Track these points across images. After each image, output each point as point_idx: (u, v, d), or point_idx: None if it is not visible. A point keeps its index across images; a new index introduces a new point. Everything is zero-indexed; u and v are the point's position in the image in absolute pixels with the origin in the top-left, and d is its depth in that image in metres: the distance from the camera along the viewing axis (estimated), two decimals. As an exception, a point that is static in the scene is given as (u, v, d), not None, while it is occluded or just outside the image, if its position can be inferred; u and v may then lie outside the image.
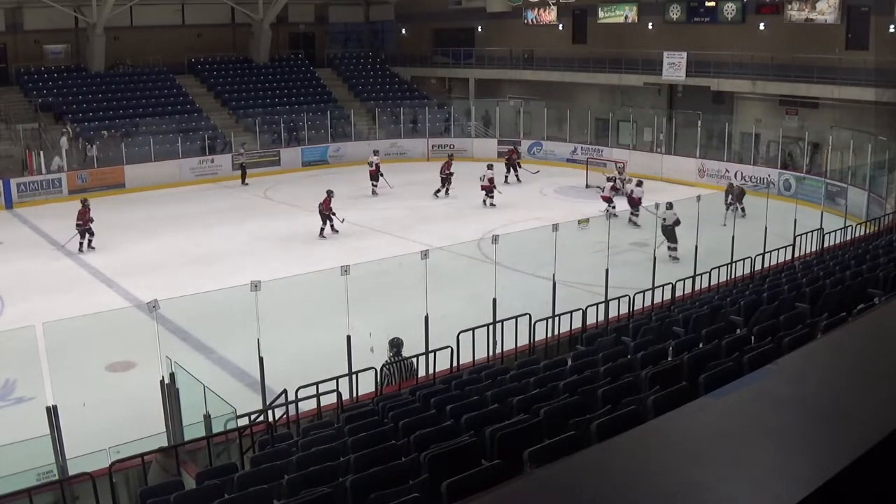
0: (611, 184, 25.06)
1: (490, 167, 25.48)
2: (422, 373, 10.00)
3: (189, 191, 28.74)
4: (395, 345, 10.23)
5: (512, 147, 30.96)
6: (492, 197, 24.88)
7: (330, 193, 21.73)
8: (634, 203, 21.98)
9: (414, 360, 10.04)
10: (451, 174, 26.67)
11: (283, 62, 39.10)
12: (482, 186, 24.91)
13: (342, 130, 34.60)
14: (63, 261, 19.96)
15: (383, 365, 9.98)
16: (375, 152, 28.85)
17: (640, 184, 22.99)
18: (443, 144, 34.79)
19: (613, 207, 22.16)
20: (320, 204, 21.62)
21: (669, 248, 17.85)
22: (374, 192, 27.07)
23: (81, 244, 20.55)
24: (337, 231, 21.51)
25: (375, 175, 27.13)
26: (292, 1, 37.61)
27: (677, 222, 17.74)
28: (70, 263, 19.73)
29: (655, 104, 31.72)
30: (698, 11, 30.22)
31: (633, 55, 31.58)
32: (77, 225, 20.62)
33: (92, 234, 20.72)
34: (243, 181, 29.49)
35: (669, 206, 17.58)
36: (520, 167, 28.91)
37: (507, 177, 28.32)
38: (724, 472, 1.74)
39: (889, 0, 24.54)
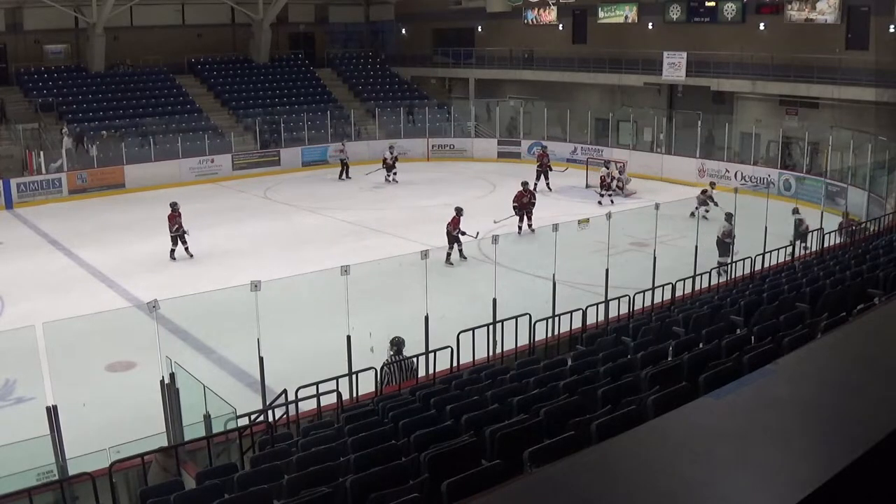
0: (614, 182, 25.52)
1: (607, 165, 26.29)
2: (422, 373, 10.00)
3: (189, 191, 28.74)
4: (396, 344, 10.23)
5: (542, 149, 29.07)
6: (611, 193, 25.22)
7: (459, 212, 18.76)
8: (606, 185, 25.24)
9: (414, 359, 10.04)
10: (550, 168, 27.22)
11: (283, 62, 39.10)
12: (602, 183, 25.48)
13: (342, 130, 34.60)
14: (63, 261, 19.96)
15: (384, 364, 9.98)
16: (392, 147, 29.88)
17: (609, 168, 25.74)
18: (443, 144, 34.81)
19: (606, 196, 24.87)
20: (448, 224, 18.61)
21: (720, 262, 15.89)
22: (393, 180, 28.83)
23: (173, 251, 19.39)
24: (465, 258, 18.60)
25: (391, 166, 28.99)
26: (292, 1, 37.61)
27: (731, 235, 16.66)
28: (70, 263, 19.73)
29: (655, 104, 31.72)
30: (698, 11, 30.21)
31: (633, 55, 31.57)
32: (173, 231, 19.40)
33: (185, 240, 19.47)
34: (343, 176, 30.24)
35: (728, 217, 16.82)
36: (551, 170, 27.46)
37: (536, 184, 26.43)
38: (724, 472, 1.74)
39: (889, 0, 24.53)
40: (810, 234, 16.52)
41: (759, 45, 27.73)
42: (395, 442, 6.50)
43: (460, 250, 18.54)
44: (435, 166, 31.07)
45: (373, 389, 9.45)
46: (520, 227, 21.47)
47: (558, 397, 6.89)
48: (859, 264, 11.17)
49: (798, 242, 16.54)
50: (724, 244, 16.79)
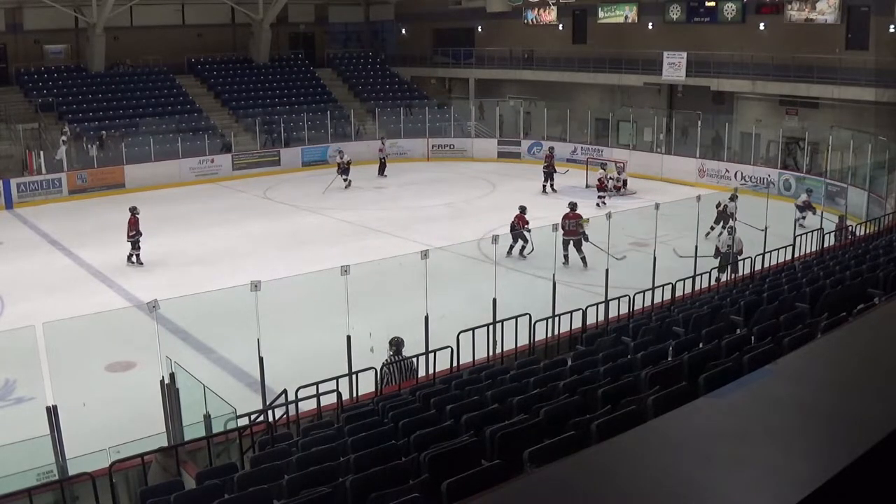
0: (611, 182, 25.59)
1: (603, 167, 26.23)
2: (422, 373, 9.99)
3: (189, 191, 28.75)
4: (396, 344, 10.23)
5: (550, 151, 28.45)
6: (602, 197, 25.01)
7: (523, 210, 19.02)
8: (602, 188, 25.29)
9: (414, 359, 10.04)
10: (554, 169, 27.09)
11: (283, 62, 39.10)
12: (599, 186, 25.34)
13: (342, 130, 34.60)
14: (63, 261, 19.96)
15: (383, 364, 9.98)
16: (341, 151, 29.52)
17: (604, 167, 26.24)
18: (443, 144, 34.80)
19: (602, 199, 24.76)
20: (513, 221, 18.83)
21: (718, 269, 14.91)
22: (347, 185, 28.24)
23: (131, 256, 19.17)
24: (524, 257, 18.34)
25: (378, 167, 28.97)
26: (292, 1, 37.61)
27: (736, 251, 15.43)
28: (70, 263, 19.73)
29: (655, 104, 31.72)
30: (698, 11, 30.22)
31: (633, 55, 31.57)
32: (130, 236, 19.18)
33: (137, 246, 19.21)
34: (381, 172, 30.47)
35: (731, 230, 16.04)
36: (556, 171, 27.38)
37: (545, 186, 27.01)
38: (724, 472, 1.74)
39: (889, 0, 24.53)
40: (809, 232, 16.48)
41: (759, 45, 27.74)
42: (395, 442, 6.49)
43: (522, 247, 18.53)
44: (435, 166, 31.07)
45: (373, 389, 9.45)
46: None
47: (558, 397, 6.89)
48: (859, 264, 11.17)
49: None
50: (728, 258, 15.44)
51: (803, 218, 20.12)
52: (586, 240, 17.04)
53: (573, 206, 18.27)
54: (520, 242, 18.54)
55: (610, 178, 26.57)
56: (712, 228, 18.50)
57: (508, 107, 36.04)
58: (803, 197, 21.46)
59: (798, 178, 25.26)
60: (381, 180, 30.05)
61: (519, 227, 18.64)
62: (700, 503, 1.67)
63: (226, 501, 5.77)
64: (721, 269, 15.13)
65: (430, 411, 7.28)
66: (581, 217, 17.35)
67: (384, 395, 8.98)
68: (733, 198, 17.85)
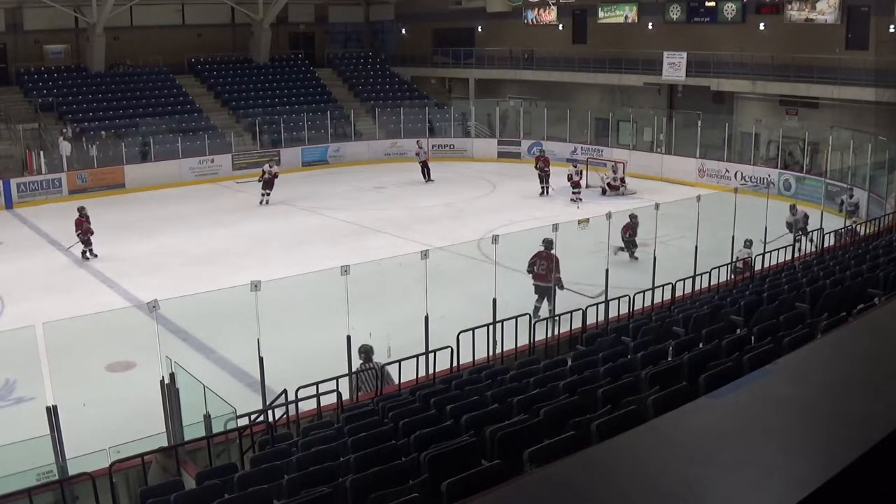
0: (605, 180, 25.70)
1: (575, 165, 26.11)
2: (422, 373, 9.98)
3: (189, 191, 28.74)
4: (365, 352, 10.20)
5: (541, 154, 28.42)
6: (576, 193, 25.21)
7: (633, 219, 17.67)
8: (576, 184, 25.34)
9: (387, 366, 9.94)
10: (548, 172, 26.64)
11: (283, 62, 39.10)
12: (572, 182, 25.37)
13: (342, 130, 34.59)
14: (63, 261, 19.96)
15: (355, 372, 9.95)
16: (272, 162, 27.91)
17: (576, 166, 26.08)
18: (443, 144, 34.80)
19: (576, 194, 25.15)
20: (622, 229, 17.61)
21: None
22: (265, 201, 26.13)
23: (84, 252, 19.81)
24: (636, 258, 17.54)
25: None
26: (292, 1, 37.61)
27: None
28: (70, 263, 19.73)
29: (655, 104, 31.71)
30: (698, 11, 30.21)
31: (633, 55, 31.57)
32: (77, 234, 19.84)
33: (90, 243, 19.83)
34: (428, 178, 29.25)
35: (748, 243, 15.40)
36: (549, 174, 26.81)
37: (544, 189, 26.71)
38: (724, 472, 1.74)
39: (889, 0, 24.53)
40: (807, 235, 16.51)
41: (759, 45, 27.73)
42: (395, 442, 6.49)
43: (632, 252, 17.84)
44: (435, 166, 31.00)
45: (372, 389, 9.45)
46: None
47: (558, 397, 6.89)
48: (859, 264, 11.18)
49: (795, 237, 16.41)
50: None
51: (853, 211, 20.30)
52: (561, 287, 14.17)
53: (548, 244, 14.28)
54: (631, 249, 17.71)
55: (603, 176, 26.75)
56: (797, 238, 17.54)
57: (508, 107, 36.03)
58: (855, 198, 21.44)
59: (798, 177, 25.25)
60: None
61: (625, 235, 17.58)
62: (700, 503, 1.67)
63: (226, 501, 5.77)
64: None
65: (430, 411, 7.28)
66: (555, 258, 14.18)
67: (384, 395, 8.98)
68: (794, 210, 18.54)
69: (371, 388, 9.74)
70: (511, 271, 14.20)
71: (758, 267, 13.92)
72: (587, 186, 27.29)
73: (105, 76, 34.33)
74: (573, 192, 25.34)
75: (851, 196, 21.51)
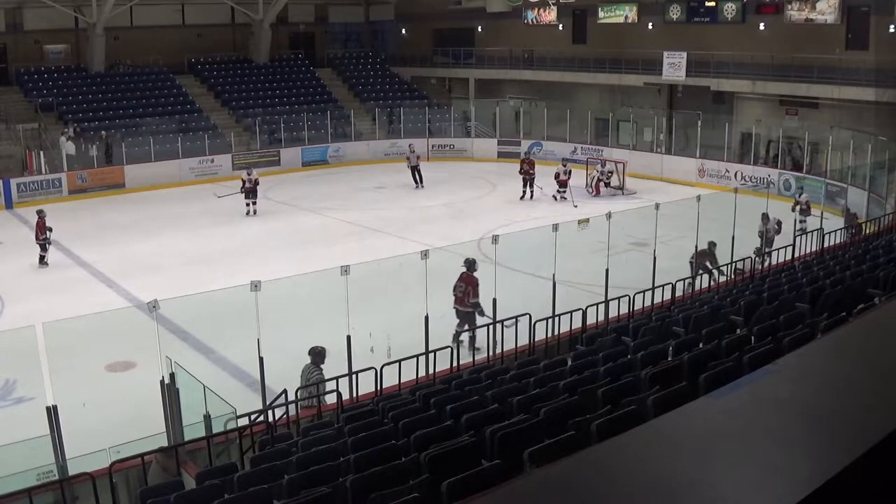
0: (597, 176, 25.99)
1: (564, 164, 25.86)
2: (422, 373, 9.98)
3: (189, 191, 28.73)
4: (315, 353, 9.95)
5: (526, 157, 27.60)
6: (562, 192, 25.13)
7: (712, 247, 15.68)
8: (563, 183, 25.26)
9: (332, 380, 9.41)
10: (533, 175, 26.00)
11: (283, 62, 39.09)
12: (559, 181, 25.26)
13: (342, 130, 34.60)
14: (63, 261, 19.95)
15: (306, 382, 9.74)
16: (250, 169, 25.97)
17: (565, 165, 25.83)
18: (443, 144, 34.81)
19: (560, 193, 25.17)
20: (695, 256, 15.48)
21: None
22: (252, 211, 24.56)
23: (42, 258, 19.06)
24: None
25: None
26: (292, 1, 37.61)
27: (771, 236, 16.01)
28: (70, 263, 19.73)
29: (655, 104, 31.72)
30: (698, 11, 30.22)
31: (633, 55, 31.57)
32: (41, 239, 19.03)
33: (46, 249, 19.05)
34: (419, 183, 28.19)
35: (761, 253, 15.29)
36: (533, 177, 26.10)
37: (535, 192, 25.94)
38: (724, 472, 1.74)
39: (889, 0, 24.53)
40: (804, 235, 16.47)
41: (759, 45, 27.73)
42: (395, 442, 6.50)
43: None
44: (435, 166, 31.05)
45: (373, 389, 9.44)
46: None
47: (558, 397, 6.89)
48: (859, 264, 11.18)
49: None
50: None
51: (803, 221, 19.29)
52: (481, 314, 12.78)
53: (469, 265, 13.35)
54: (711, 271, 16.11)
55: (593, 174, 26.90)
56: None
57: (508, 107, 36.03)
58: (805, 197, 20.98)
59: (797, 177, 25.25)
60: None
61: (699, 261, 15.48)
62: (700, 503, 1.66)
63: (226, 501, 5.78)
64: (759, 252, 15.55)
65: (430, 411, 7.28)
66: (476, 281, 13.10)
67: (384, 395, 8.98)
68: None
69: (304, 391, 9.44)
70: (511, 271, 14.21)
71: (758, 267, 13.92)
72: (587, 186, 27.30)
73: (105, 76, 34.32)
74: (558, 191, 25.32)
75: (801, 194, 20.95)
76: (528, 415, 6.45)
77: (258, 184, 24.72)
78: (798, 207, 19.90)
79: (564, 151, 31.64)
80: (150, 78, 35.18)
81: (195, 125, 32.70)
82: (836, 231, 16.15)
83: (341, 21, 42.64)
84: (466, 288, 13.05)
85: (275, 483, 5.98)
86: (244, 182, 24.60)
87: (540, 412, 6.31)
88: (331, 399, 9.09)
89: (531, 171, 26.14)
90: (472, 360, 10.26)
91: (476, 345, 11.83)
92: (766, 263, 14.63)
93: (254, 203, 24.53)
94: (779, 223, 18.04)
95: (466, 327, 12.91)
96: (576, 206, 23.97)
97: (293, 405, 8.89)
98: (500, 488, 1.82)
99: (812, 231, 15.73)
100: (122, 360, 12.74)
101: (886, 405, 1.96)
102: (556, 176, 25.46)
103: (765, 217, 17.75)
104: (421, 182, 28.45)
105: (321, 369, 9.91)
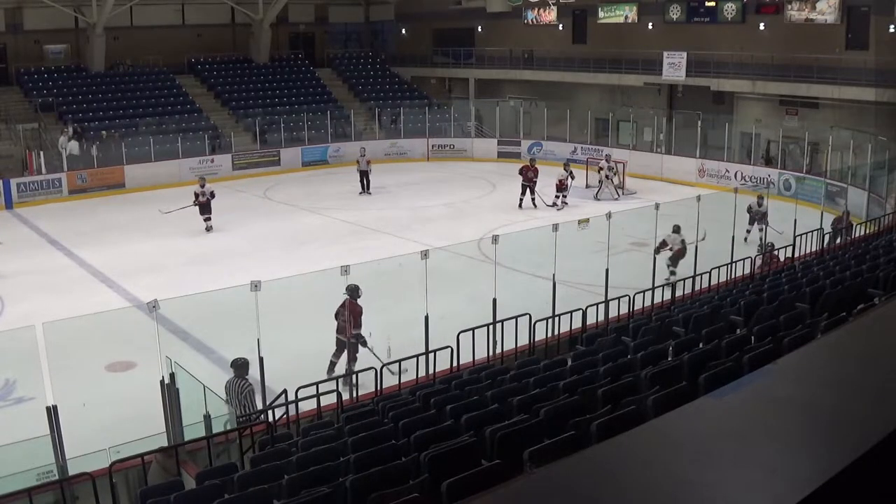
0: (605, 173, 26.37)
1: (566, 167, 25.50)
2: (422, 373, 9.98)
3: (189, 191, 28.66)
4: (237, 366, 9.86)
5: (531, 163, 25.68)
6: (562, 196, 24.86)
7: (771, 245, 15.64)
8: (562, 188, 24.95)
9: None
10: (535, 183, 24.65)
11: (283, 62, 39.09)
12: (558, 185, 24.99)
13: (342, 130, 34.60)
14: (63, 261, 19.95)
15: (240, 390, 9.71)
16: (203, 179, 23.37)
17: (568, 170, 25.45)
18: (443, 144, 34.81)
19: (561, 198, 24.85)
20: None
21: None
22: (208, 227, 22.23)
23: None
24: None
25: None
26: (292, 1, 37.60)
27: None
28: (70, 263, 19.73)
29: (655, 104, 31.72)
30: (698, 11, 30.22)
31: (633, 55, 31.57)
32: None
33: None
34: (365, 189, 27.03)
35: (676, 229, 15.57)
36: (534, 184, 24.82)
37: (538, 202, 24.73)
38: (724, 472, 1.74)
39: (889, 0, 24.53)
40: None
41: (759, 45, 27.73)
42: (395, 442, 6.50)
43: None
44: (435, 166, 31.05)
45: (373, 389, 9.44)
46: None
47: (558, 397, 6.89)
48: (859, 264, 11.17)
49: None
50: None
51: (748, 232, 18.61)
52: (364, 345, 11.95)
53: (352, 292, 11.94)
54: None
55: (609, 167, 26.75)
56: (748, 231, 18.68)
57: (508, 107, 36.03)
58: (765, 206, 19.05)
59: (798, 177, 25.25)
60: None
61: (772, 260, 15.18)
62: (700, 503, 1.67)
63: (226, 501, 5.78)
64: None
65: (430, 411, 7.28)
66: (359, 311, 12.18)
67: (384, 395, 8.98)
68: (760, 202, 18.95)
69: (237, 408, 9.31)
70: (511, 271, 14.21)
71: (757, 267, 13.91)
72: (587, 186, 27.27)
73: (105, 76, 34.32)
74: (556, 196, 24.83)
75: (760, 204, 19.02)
76: (528, 415, 6.45)
77: (214, 196, 22.22)
78: (757, 215, 18.85)
79: (564, 151, 31.65)
80: (150, 78, 35.17)
81: (195, 125, 32.70)
82: (818, 233, 15.90)
83: (341, 21, 42.64)
84: (348, 316, 11.92)
85: (275, 483, 5.98)
86: (197, 196, 22.09)
87: (540, 412, 6.31)
88: (311, 404, 8.97)
89: (534, 179, 24.79)
90: (472, 359, 10.24)
91: (351, 373, 10.60)
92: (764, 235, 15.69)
93: (208, 219, 22.04)
94: (760, 201, 18.81)
95: (346, 359, 11.93)
96: (559, 209, 23.92)
97: (293, 405, 8.89)
98: (500, 488, 1.82)
99: (812, 231, 15.71)
100: (122, 360, 12.74)
101: (886, 405, 1.96)
102: (560, 183, 24.93)
103: (759, 199, 18.72)
104: (368, 188, 27.23)
105: (248, 381, 9.77)
